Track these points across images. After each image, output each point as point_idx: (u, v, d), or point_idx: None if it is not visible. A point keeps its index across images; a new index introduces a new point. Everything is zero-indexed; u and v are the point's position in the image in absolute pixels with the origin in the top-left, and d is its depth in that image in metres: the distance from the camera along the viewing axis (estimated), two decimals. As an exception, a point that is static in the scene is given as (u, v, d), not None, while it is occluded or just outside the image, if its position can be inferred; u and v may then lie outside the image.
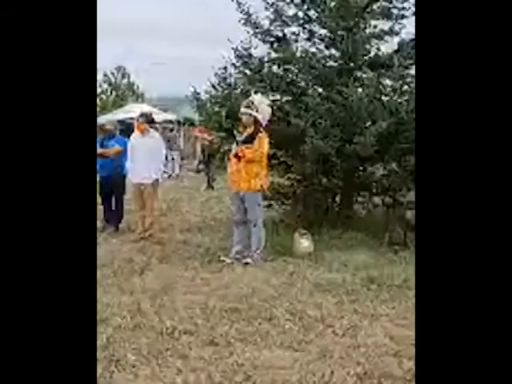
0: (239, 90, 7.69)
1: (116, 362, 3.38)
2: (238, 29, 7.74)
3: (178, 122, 22.69)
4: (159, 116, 18.04)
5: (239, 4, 7.68)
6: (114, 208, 7.93)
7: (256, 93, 6.69)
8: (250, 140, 5.96)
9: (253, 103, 5.99)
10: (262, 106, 6.03)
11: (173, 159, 17.17)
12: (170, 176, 15.56)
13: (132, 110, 18.90)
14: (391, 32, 7.83)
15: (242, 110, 6.04)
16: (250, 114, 5.95)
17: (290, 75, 7.76)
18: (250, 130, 6.00)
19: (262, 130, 6.00)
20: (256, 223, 6.05)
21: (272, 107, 6.38)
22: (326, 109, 6.81)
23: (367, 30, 7.69)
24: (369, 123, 6.70)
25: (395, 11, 7.77)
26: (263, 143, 5.96)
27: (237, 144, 6.06)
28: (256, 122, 5.96)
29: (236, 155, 5.98)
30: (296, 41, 7.91)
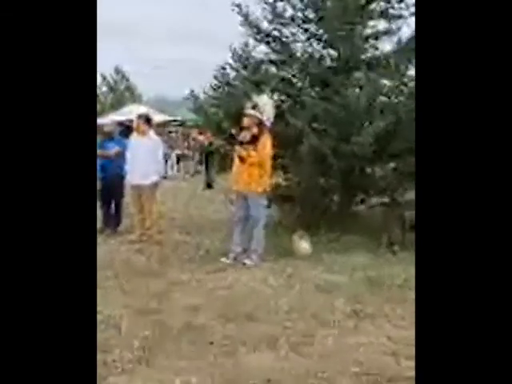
0: (238, 90, 7.68)
1: (115, 364, 3.38)
2: (237, 29, 7.77)
3: (177, 124, 22.69)
4: (157, 117, 18.02)
5: (237, 6, 7.69)
6: (113, 211, 7.92)
7: (261, 92, 6.63)
8: (253, 141, 5.93)
9: (258, 105, 5.96)
10: (266, 107, 6.00)
11: (172, 161, 17.17)
12: (168, 177, 15.55)
13: (131, 112, 18.88)
14: (389, 32, 7.84)
15: (247, 111, 5.99)
16: (255, 116, 5.93)
17: (288, 75, 7.76)
18: (253, 131, 5.95)
19: (265, 131, 5.98)
20: (257, 224, 6.04)
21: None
22: (324, 109, 6.80)
23: (365, 30, 7.70)
24: (366, 123, 6.70)
25: (393, 11, 7.78)
26: (267, 145, 5.93)
27: (240, 144, 6.01)
28: (260, 123, 5.93)
29: (240, 156, 5.96)
30: (294, 41, 7.91)
